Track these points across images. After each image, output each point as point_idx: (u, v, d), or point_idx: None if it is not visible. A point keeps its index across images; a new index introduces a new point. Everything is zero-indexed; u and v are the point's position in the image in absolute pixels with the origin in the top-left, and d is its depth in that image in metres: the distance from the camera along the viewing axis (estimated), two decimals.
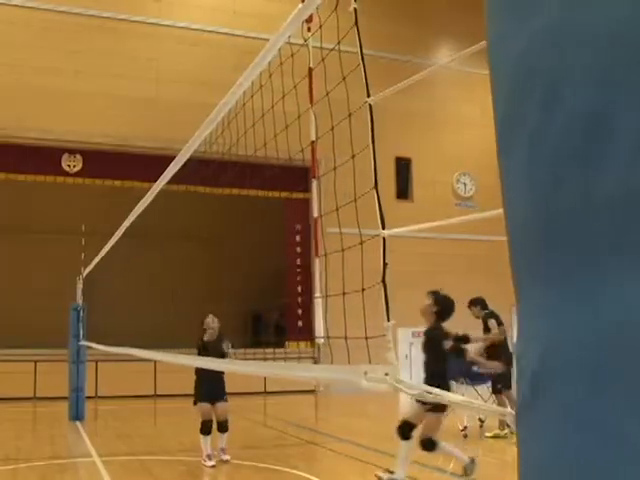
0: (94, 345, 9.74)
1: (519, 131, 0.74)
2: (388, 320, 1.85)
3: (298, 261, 18.29)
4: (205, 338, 7.98)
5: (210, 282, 21.44)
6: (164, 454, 8.49)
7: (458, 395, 1.85)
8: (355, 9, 1.97)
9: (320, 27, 2.45)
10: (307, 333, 17.96)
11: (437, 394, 1.67)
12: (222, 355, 7.73)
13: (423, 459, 7.82)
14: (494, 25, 0.87)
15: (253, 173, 16.45)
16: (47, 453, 8.46)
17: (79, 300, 11.90)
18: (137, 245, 17.17)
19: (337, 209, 2.81)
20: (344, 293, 4.04)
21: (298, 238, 18.40)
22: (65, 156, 16.48)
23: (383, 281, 1.86)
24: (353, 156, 2.62)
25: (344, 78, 2.47)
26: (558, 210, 0.68)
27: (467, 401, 1.70)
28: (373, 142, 2.10)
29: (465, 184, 19.99)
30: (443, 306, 5.94)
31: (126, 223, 7.63)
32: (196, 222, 20.31)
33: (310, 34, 2.83)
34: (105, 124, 16.34)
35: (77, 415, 11.55)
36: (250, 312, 22.29)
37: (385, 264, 1.84)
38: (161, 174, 17.84)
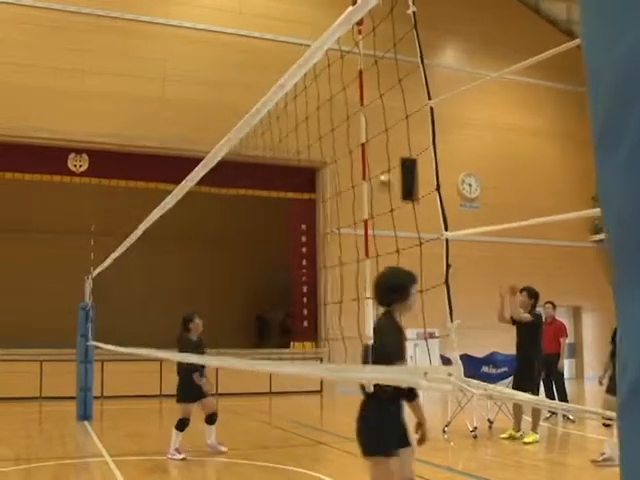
0: (103, 345, 9.73)
1: (622, 132, 0.74)
2: (452, 321, 1.86)
3: (304, 262, 18.29)
4: (193, 338, 8.26)
5: (215, 282, 21.46)
6: None
7: (530, 395, 1.85)
8: (414, 12, 1.98)
9: (373, 30, 2.45)
10: (312, 333, 17.96)
11: (506, 393, 1.67)
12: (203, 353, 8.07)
13: (436, 459, 7.84)
14: (593, 27, 0.87)
15: (260, 174, 16.51)
16: (58, 453, 8.46)
17: (88, 300, 11.88)
18: (142, 246, 17.19)
19: (391, 210, 2.81)
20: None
21: (304, 238, 18.39)
22: (71, 156, 16.48)
23: (446, 282, 1.87)
24: (407, 159, 2.62)
25: (400, 81, 2.48)
26: None
27: (540, 400, 1.70)
28: (434, 144, 2.11)
29: (470, 185, 20.00)
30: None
31: (143, 226, 7.61)
32: (201, 222, 20.32)
33: (361, 37, 2.83)
34: (111, 124, 16.34)
35: (85, 415, 11.54)
36: (254, 312, 22.30)
37: (448, 265, 1.85)
38: (167, 174, 17.83)
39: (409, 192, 18.06)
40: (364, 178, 2.91)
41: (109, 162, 16.61)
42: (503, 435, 9.38)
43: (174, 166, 16.14)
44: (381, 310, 3.63)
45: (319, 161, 15.93)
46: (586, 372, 21.09)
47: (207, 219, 20.30)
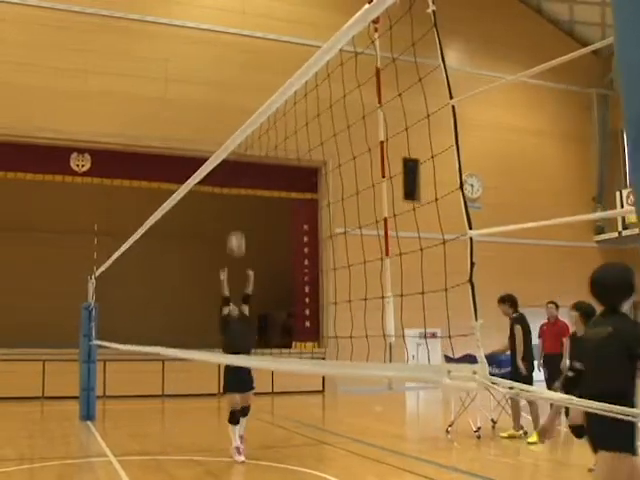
0: (108, 344, 9.70)
1: None
2: (476, 319, 1.86)
3: (306, 262, 18.28)
4: (226, 312, 8.19)
5: (217, 282, 21.41)
6: (178, 454, 8.48)
7: (555, 393, 1.85)
8: (434, 11, 1.97)
9: (390, 28, 2.45)
10: (314, 333, 17.94)
11: (533, 391, 1.67)
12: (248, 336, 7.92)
13: (440, 459, 7.84)
14: (627, 26, 0.87)
15: (262, 173, 16.50)
16: (61, 453, 8.44)
17: (91, 300, 11.87)
18: (144, 245, 17.18)
19: (414, 209, 2.81)
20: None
21: (306, 238, 18.37)
22: (74, 156, 16.47)
23: (470, 281, 1.87)
24: (432, 156, 2.62)
25: (420, 80, 2.47)
26: None
27: (567, 398, 1.70)
28: (457, 143, 2.11)
29: (472, 185, 20.01)
30: None
31: (145, 225, 7.60)
32: (203, 222, 20.29)
33: (377, 35, 2.83)
34: (114, 124, 16.34)
35: (88, 415, 11.53)
36: (257, 312, 22.25)
37: (472, 264, 1.85)
38: (169, 174, 17.76)
39: (411, 192, 18.07)
40: (383, 176, 2.91)
41: (111, 162, 16.61)
42: (503, 434, 9.39)
43: (176, 166, 16.15)
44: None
45: (321, 161, 15.92)
46: None
47: (209, 219, 20.27)
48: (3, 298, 19.04)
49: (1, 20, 15.84)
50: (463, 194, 2.14)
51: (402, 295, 3.12)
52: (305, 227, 18.39)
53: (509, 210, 18.68)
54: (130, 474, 7.00)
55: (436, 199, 2.60)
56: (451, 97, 2.15)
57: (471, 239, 1.96)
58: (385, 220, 3.20)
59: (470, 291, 1.95)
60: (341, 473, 7.13)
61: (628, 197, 20.45)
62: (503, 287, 13.16)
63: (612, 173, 22.06)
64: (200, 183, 5.64)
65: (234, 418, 7.81)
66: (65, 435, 10.07)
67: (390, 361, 3.22)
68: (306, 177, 18.00)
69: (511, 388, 1.73)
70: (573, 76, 20.85)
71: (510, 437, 9.26)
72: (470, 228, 1.95)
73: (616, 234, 20.88)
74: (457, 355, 9.48)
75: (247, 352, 7.89)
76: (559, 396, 1.81)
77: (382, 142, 3.12)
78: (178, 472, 7.32)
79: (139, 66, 16.83)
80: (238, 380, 7.86)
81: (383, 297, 3.09)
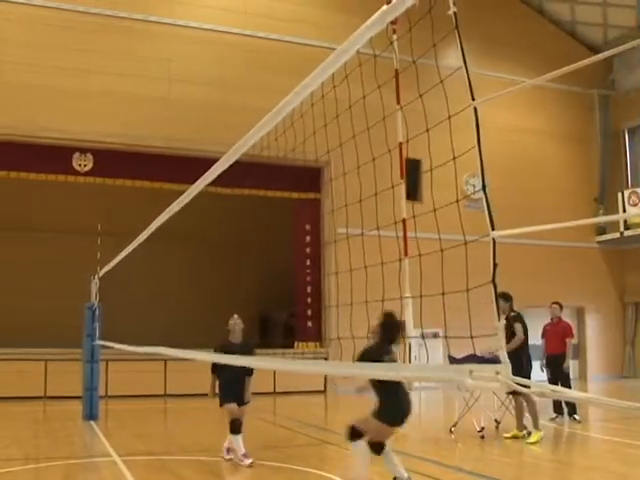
0: (111, 344, 9.71)
1: None
2: (499, 319, 1.88)
3: (308, 262, 18.28)
4: (230, 339, 8.03)
5: (219, 282, 21.44)
6: (182, 454, 8.50)
7: (580, 392, 1.87)
8: (455, 13, 1.99)
9: (410, 29, 2.46)
10: (316, 334, 17.95)
11: (557, 391, 1.68)
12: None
13: (444, 459, 7.85)
14: None
15: (264, 173, 16.51)
16: (66, 453, 8.46)
17: (94, 299, 11.87)
18: (145, 246, 17.17)
19: (434, 210, 2.83)
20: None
21: (308, 238, 18.37)
22: (76, 155, 16.47)
23: (493, 281, 1.88)
24: (454, 158, 2.63)
25: (441, 81, 2.48)
26: None
27: (593, 397, 1.71)
28: (479, 144, 2.12)
29: (474, 185, 20.01)
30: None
31: (149, 228, 7.60)
32: (205, 222, 20.28)
33: (396, 37, 2.84)
34: (116, 123, 16.34)
35: (91, 414, 11.55)
36: (259, 312, 22.27)
37: (495, 265, 1.86)
38: (171, 174, 17.67)
39: (413, 192, 18.07)
40: (402, 177, 2.93)
41: (113, 162, 16.61)
42: (506, 435, 9.40)
43: (178, 166, 16.19)
44: None
45: (324, 161, 15.92)
46: (590, 372, 21.09)
47: (211, 220, 20.29)
48: (5, 298, 19.05)
49: (6, 20, 15.84)
50: (486, 196, 2.15)
51: (421, 296, 3.14)
52: (307, 227, 18.38)
53: (510, 210, 18.64)
54: (135, 474, 7.01)
55: (457, 200, 2.62)
56: (473, 99, 2.16)
57: (494, 240, 1.97)
58: (404, 221, 3.22)
59: (493, 292, 1.96)
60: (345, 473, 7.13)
61: (630, 198, 20.46)
62: (504, 287, 13.15)
63: (614, 174, 22.07)
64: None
65: (235, 427, 7.66)
66: (69, 435, 10.08)
67: (410, 361, 3.23)
68: (308, 177, 18.00)
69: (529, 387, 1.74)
70: (575, 77, 20.84)
71: (513, 437, 9.27)
72: (493, 229, 1.96)
73: (618, 234, 20.89)
74: (460, 355, 9.54)
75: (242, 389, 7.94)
76: (581, 395, 1.82)
77: (401, 143, 3.13)
78: (183, 472, 7.33)
79: (142, 66, 16.82)
80: (233, 392, 7.81)
81: (402, 298, 3.10)
